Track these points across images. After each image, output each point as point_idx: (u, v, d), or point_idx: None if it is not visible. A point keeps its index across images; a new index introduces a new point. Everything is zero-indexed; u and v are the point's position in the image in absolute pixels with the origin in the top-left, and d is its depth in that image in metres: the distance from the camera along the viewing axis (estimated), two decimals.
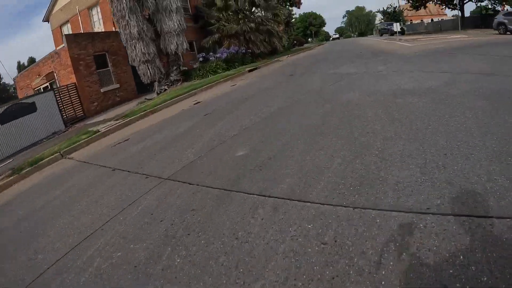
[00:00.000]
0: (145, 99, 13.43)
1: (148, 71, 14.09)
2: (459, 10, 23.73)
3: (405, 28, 30.32)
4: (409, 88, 5.78)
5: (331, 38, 72.74)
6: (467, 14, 27.38)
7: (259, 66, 15.96)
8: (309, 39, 65.22)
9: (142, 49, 13.85)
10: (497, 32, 16.91)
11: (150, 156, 5.29)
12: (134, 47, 14.02)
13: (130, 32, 13.87)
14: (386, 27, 31.68)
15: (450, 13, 44.67)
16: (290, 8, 34.18)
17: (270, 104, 6.87)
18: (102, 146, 7.63)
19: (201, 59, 17.02)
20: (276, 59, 18.96)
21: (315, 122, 4.83)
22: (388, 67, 8.84)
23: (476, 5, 25.76)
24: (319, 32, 74.13)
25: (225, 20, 20.15)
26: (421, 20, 39.45)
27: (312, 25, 68.16)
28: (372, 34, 64.22)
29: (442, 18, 42.23)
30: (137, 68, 14.49)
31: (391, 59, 10.65)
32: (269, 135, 4.74)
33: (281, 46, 22.63)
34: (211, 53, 17.00)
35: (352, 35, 79.59)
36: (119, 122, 9.79)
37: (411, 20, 41.49)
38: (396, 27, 23.59)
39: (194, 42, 21.68)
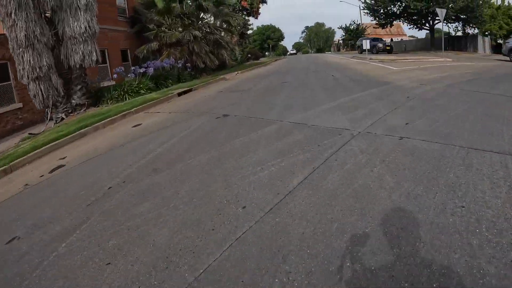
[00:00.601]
0: (29, 134, 8.95)
1: (40, 92, 9.64)
2: (429, 30, 22.42)
3: (393, 45, 27.45)
4: None
5: (288, 53, 71.60)
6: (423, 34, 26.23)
7: (195, 87, 12.08)
8: (266, 53, 63.46)
9: (31, 61, 9.42)
10: (507, 58, 15.27)
11: None
12: (22, 57, 9.60)
13: (16, 36, 9.47)
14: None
15: (408, 33, 45.34)
16: (246, 17, 31.01)
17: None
18: None
19: (115, 75, 12.57)
20: (222, 76, 15.30)
21: None
22: (411, 124, 4.48)
23: (448, 26, 24.81)
24: (277, 46, 73.03)
25: (168, 26, 16.26)
26: (382, 39, 38.76)
27: (270, 39, 66.63)
28: (330, 50, 64.09)
29: (401, 38, 42.33)
30: (27, 87, 10.02)
31: (397, 97, 6.51)
32: None
33: (231, 59, 19.16)
34: (133, 68, 12.78)
35: (310, 51, 79.49)
36: None
37: None
38: (366, 44, 20.91)
39: (128, 51, 17.52)
